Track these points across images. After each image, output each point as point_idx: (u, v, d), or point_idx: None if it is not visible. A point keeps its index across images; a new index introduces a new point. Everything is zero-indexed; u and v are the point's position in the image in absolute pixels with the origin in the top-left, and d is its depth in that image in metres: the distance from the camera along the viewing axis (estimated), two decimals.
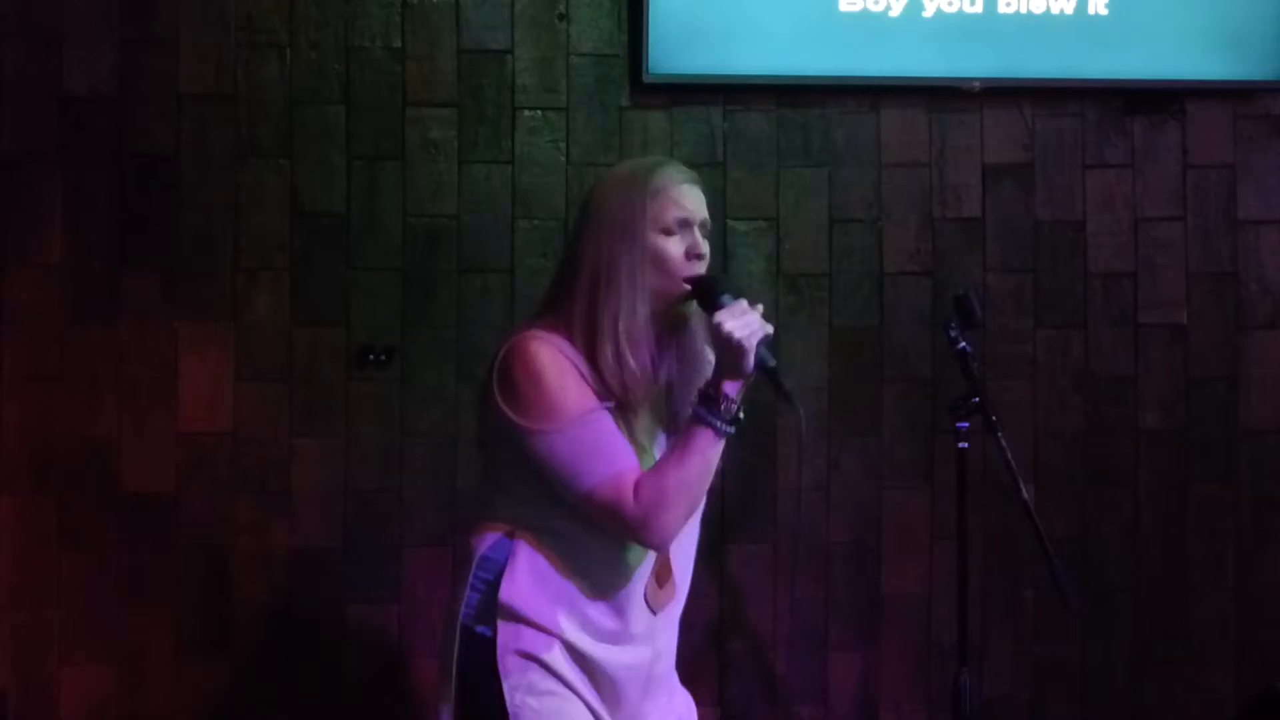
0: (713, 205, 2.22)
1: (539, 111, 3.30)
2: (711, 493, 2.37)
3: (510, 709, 2.14)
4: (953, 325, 2.78)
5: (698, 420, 2.08)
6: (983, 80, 3.34)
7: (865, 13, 3.30)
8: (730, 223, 3.31)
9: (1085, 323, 3.42)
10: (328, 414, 3.23)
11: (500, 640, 2.16)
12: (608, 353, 2.14)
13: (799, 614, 3.34)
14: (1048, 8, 3.34)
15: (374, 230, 3.26)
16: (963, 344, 2.77)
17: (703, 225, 2.20)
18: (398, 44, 3.28)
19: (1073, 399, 3.41)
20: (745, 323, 2.05)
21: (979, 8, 3.32)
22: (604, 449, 2.10)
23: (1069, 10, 3.34)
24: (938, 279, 3.38)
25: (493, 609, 2.17)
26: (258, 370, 3.22)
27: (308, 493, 3.22)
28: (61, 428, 3.18)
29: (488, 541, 2.20)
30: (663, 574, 2.24)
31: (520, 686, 2.15)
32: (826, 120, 3.37)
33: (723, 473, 2.30)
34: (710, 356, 2.21)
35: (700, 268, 2.17)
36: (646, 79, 3.25)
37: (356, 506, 3.24)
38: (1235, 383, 3.44)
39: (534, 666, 2.16)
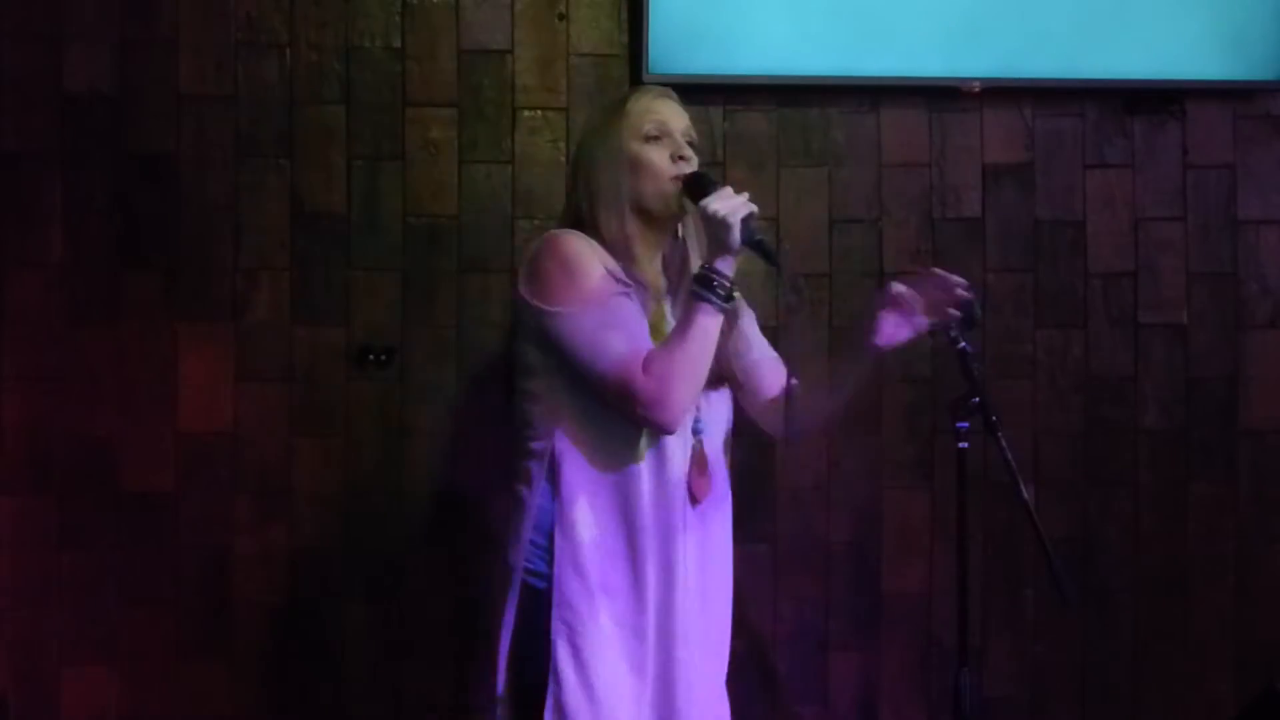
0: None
1: (539, 111, 3.30)
2: None
3: (551, 640, 2.24)
4: (953, 325, 2.78)
5: (695, 298, 2.21)
6: (983, 80, 3.34)
7: (866, 13, 3.30)
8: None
9: (1085, 323, 3.42)
10: (328, 414, 3.23)
11: (556, 579, 2.25)
12: (616, 250, 2.29)
13: (799, 614, 3.34)
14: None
15: (374, 230, 3.26)
16: (963, 344, 2.76)
17: (684, 132, 2.37)
18: (398, 44, 3.28)
19: (1073, 399, 3.41)
20: (730, 203, 2.21)
21: (979, 6, 3.33)
22: (622, 329, 2.22)
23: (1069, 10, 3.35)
24: None
25: (547, 559, 2.26)
26: (258, 370, 3.22)
27: (308, 493, 3.22)
28: (61, 428, 3.18)
29: (536, 488, 2.28)
30: (699, 463, 2.33)
31: (567, 622, 2.24)
32: (826, 120, 3.37)
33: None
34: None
35: (686, 168, 2.33)
36: (646, 79, 3.24)
37: (356, 506, 3.24)
38: (1235, 383, 3.44)
39: (588, 606, 2.24)
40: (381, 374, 3.25)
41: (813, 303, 3.35)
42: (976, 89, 3.35)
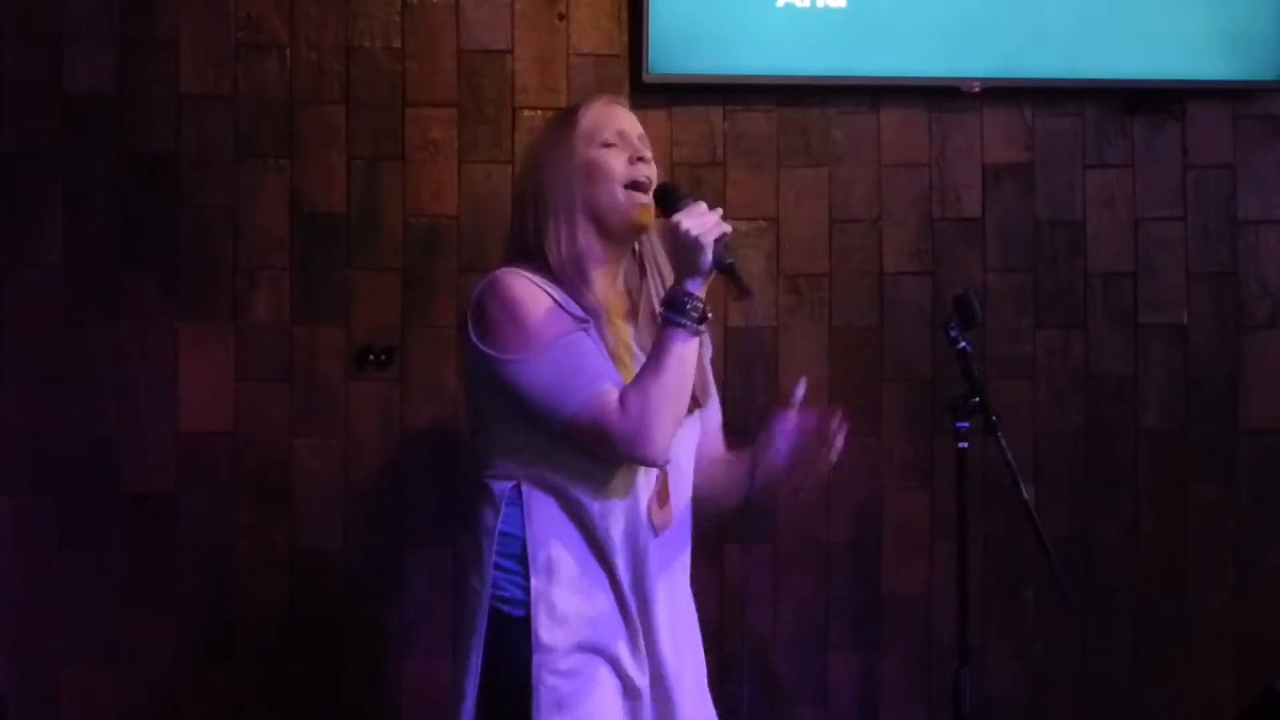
0: (713, 205, 2.24)
1: (539, 111, 3.30)
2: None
3: (534, 682, 2.15)
4: (953, 325, 2.78)
5: (667, 323, 2.11)
6: (983, 80, 3.34)
7: (866, 13, 3.30)
8: (730, 223, 3.30)
9: (1085, 323, 3.42)
10: (328, 414, 3.23)
11: (533, 611, 2.17)
12: (567, 273, 2.18)
13: (799, 614, 3.34)
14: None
15: (374, 230, 3.26)
16: (963, 344, 2.77)
17: (640, 139, 2.26)
18: (398, 44, 3.28)
19: (1073, 399, 3.41)
20: (702, 222, 2.10)
21: (979, 6, 3.33)
22: (583, 369, 2.13)
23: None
24: (938, 279, 3.38)
25: (523, 586, 2.18)
26: (258, 370, 3.22)
27: (308, 493, 3.22)
28: (61, 428, 3.18)
29: (501, 515, 2.21)
30: (662, 495, 2.25)
31: (547, 663, 2.16)
32: (826, 120, 3.37)
33: None
34: (667, 270, 2.26)
35: (645, 170, 2.23)
36: (646, 79, 3.25)
37: (356, 506, 3.24)
38: (1235, 383, 3.44)
39: (566, 641, 2.17)
40: (381, 374, 3.25)
41: (813, 303, 3.35)
42: (976, 89, 3.35)
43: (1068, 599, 2.64)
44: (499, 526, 2.21)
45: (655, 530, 2.24)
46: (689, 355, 2.12)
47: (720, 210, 2.13)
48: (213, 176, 3.23)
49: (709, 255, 2.09)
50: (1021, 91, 3.40)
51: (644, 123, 3.27)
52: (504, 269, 2.21)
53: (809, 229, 3.36)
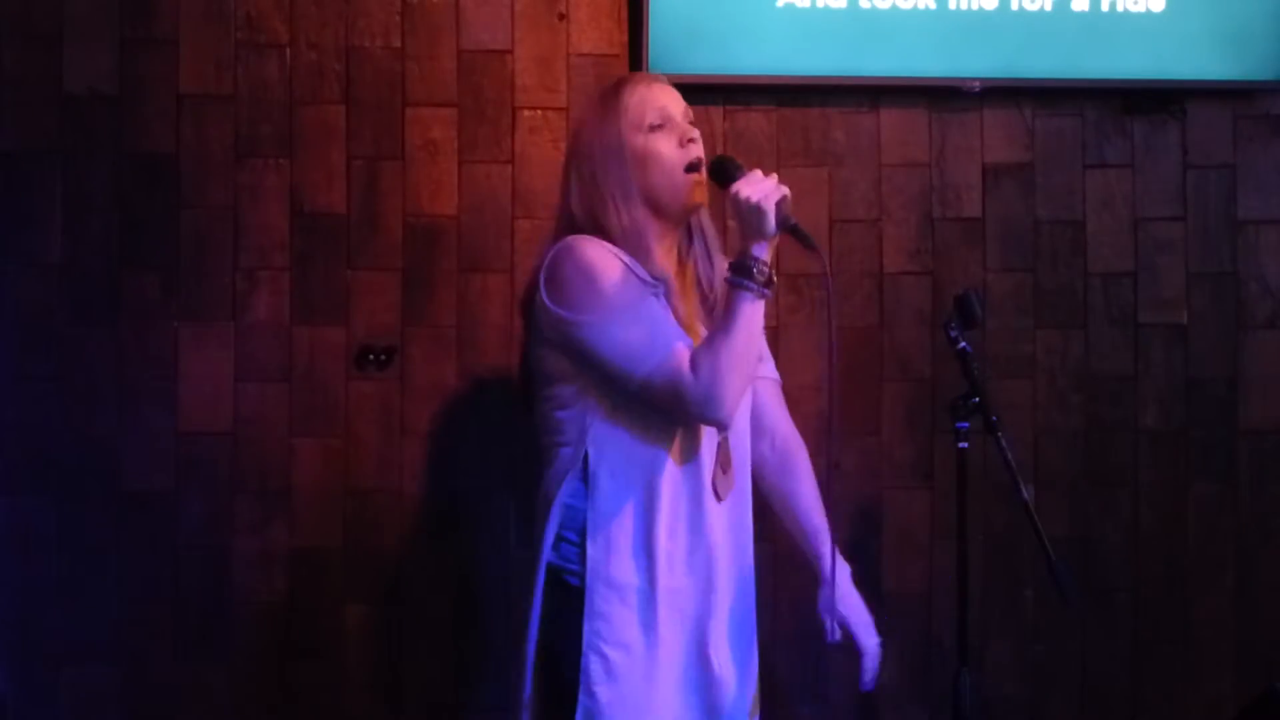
0: (713, 205, 2.26)
1: (539, 111, 3.30)
2: None
3: (584, 650, 2.21)
4: (953, 325, 2.78)
5: (735, 287, 2.17)
6: (983, 80, 3.34)
7: (865, 12, 3.30)
8: (731, 223, 3.30)
9: (1085, 323, 3.42)
10: (328, 414, 3.23)
11: (589, 581, 2.22)
12: (630, 245, 2.24)
13: (799, 614, 3.34)
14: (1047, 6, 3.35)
15: (374, 230, 3.26)
16: (963, 344, 2.77)
17: (685, 114, 2.32)
18: (398, 44, 3.28)
19: (1073, 399, 3.41)
20: (761, 187, 2.15)
21: (979, 6, 3.32)
22: (657, 332, 2.18)
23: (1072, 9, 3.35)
24: (938, 279, 3.38)
25: (581, 559, 2.23)
26: (258, 370, 3.22)
27: (308, 493, 3.22)
28: (61, 428, 3.18)
29: (565, 488, 2.25)
30: (724, 460, 2.31)
31: (600, 633, 2.22)
32: (826, 120, 3.37)
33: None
34: (721, 255, 2.34)
35: (696, 150, 2.28)
36: None
37: (356, 506, 3.24)
38: (1235, 383, 3.44)
39: (621, 612, 2.22)
40: (381, 374, 3.25)
41: (813, 303, 3.35)
42: (976, 89, 3.35)
43: (1068, 599, 2.64)
44: (562, 498, 2.26)
45: (719, 495, 2.30)
46: (756, 318, 2.19)
47: (775, 175, 2.18)
48: (213, 176, 3.23)
49: (772, 218, 2.15)
50: (1021, 91, 3.40)
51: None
52: (575, 236, 2.25)
53: (809, 229, 3.34)
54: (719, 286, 2.31)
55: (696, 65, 3.26)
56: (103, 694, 3.17)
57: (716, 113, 3.34)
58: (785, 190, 2.18)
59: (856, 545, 3.35)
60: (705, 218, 2.39)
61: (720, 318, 2.19)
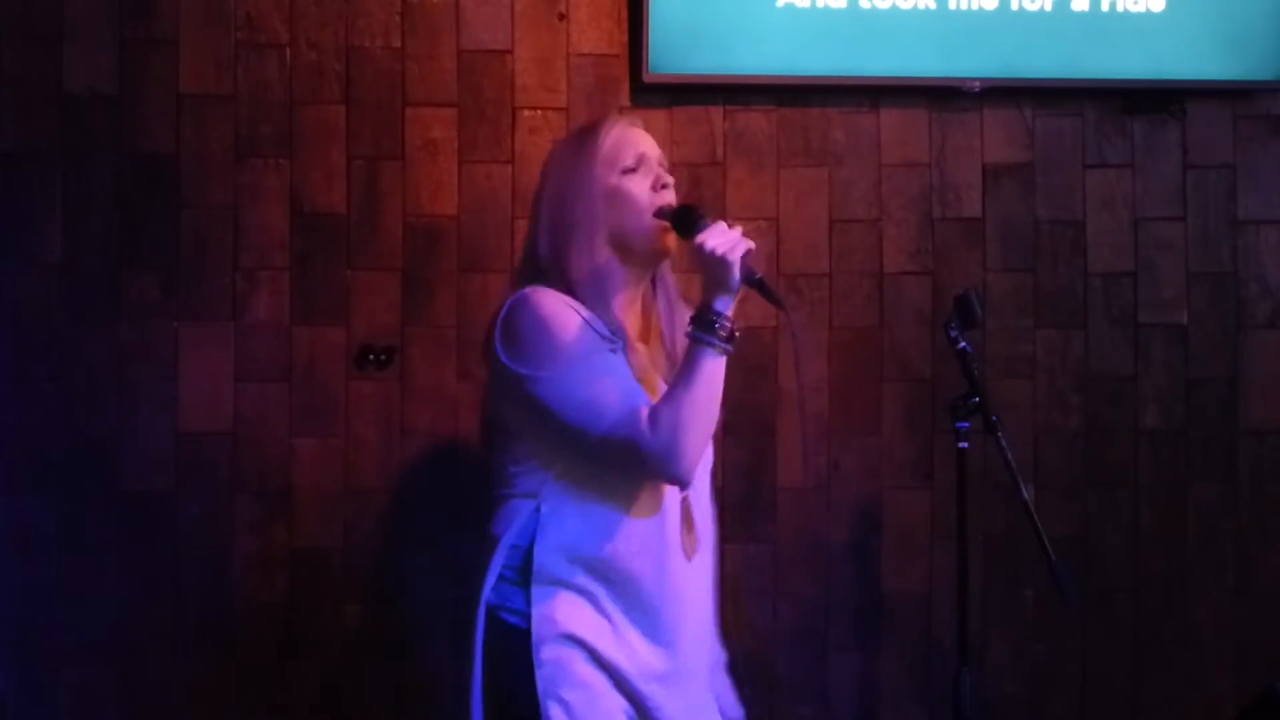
0: (713, 205, 2.24)
1: (539, 111, 3.30)
2: (714, 492, 2.39)
3: (540, 698, 2.15)
4: (953, 325, 2.79)
5: (696, 342, 2.11)
6: (983, 80, 3.34)
7: (865, 12, 3.30)
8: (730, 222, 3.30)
9: (1085, 323, 3.42)
10: (328, 414, 3.23)
11: (535, 627, 2.16)
12: (589, 295, 2.18)
13: (799, 614, 3.34)
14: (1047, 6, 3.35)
15: (374, 230, 3.26)
16: (963, 344, 2.77)
17: (660, 161, 2.26)
18: (398, 44, 3.28)
19: (1073, 399, 3.41)
20: (726, 239, 2.10)
21: (978, 6, 3.32)
22: (614, 388, 2.12)
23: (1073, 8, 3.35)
24: (938, 279, 3.38)
25: (525, 597, 2.17)
26: (258, 370, 3.22)
27: (308, 493, 3.22)
28: (61, 428, 3.18)
29: (513, 528, 2.20)
30: (687, 519, 2.25)
31: (553, 678, 2.15)
32: (826, 120, 3.37)
33: (723, 472, 2.31)
34: (682, 306, 2.27)
35: (668, 196, 2.22)
36: (646, 79, 3.25)
37: (356, 506, 3.24)
38: (1235, 383, 3.44)
39: (570, 654, 2.16)
40: (381, 374, 3.25)
41: (813, 303, 3.35)
42: (976, 89, 3.35)
43: (1068, 599, 2.64)
44: (508, 540, 2.21)
45: (688, 555, 2.25)
46: (717, 374, 2.12)
47: (740, 227, 2.13)
48: (213, 176, 3.23)
49: (736, 272, 2.10)
50: (1021, 91, 3.40)
51: (644, 123, 3.31)
52: (531, 287, 2.19)
53: (809, 229, 3.36)
54: (680, 341, 2.23)
55: (696, 65, 3.26)
56: (103, 694, 3.17)
57: (716, 113, 3.34)
58: (750, 244, 2.12)
59: (856, 545, 3.36)
60: (668, 270, 2.32)
61: (681, 373, 2.13)
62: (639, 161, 2.23)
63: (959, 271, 3.38)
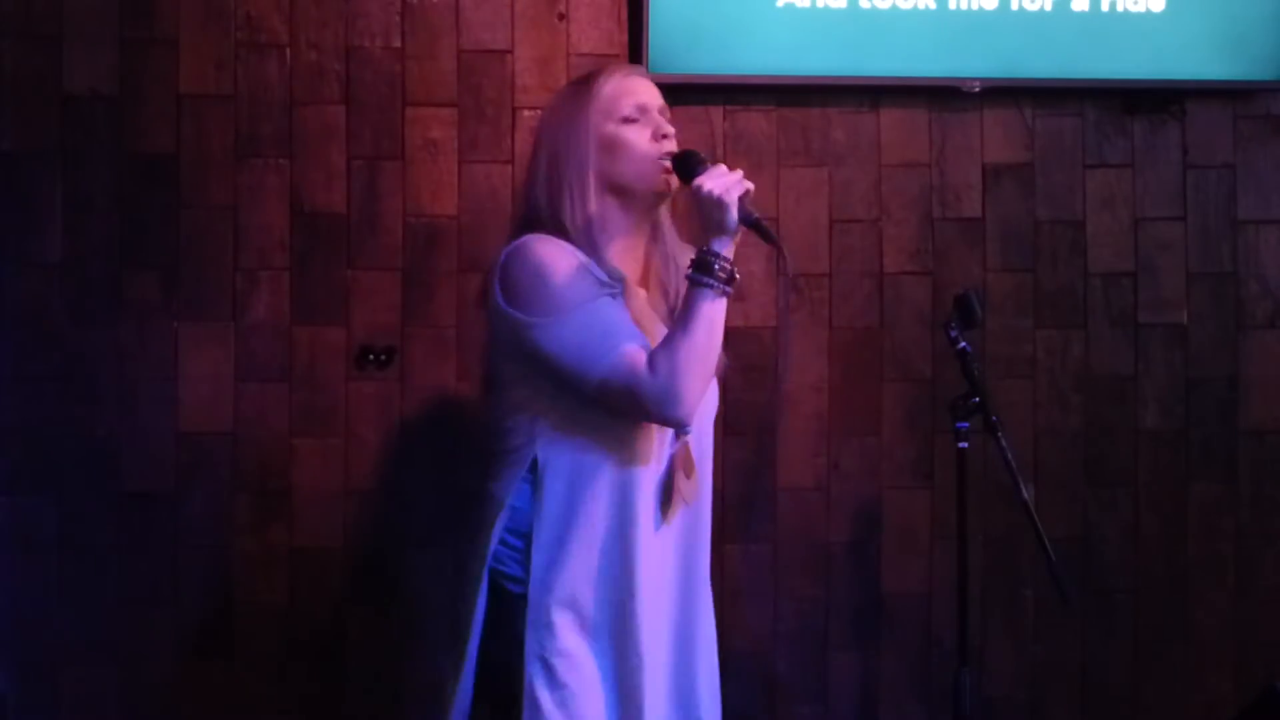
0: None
1: (539, 111, 3.29)
2: (713, 492, 2.39)
3: (526, 659, 2.15)
4: (953, 325, 2.79)
5: (695, 284, 2.11)
6: (983, 80, 3.34)
7: (866, 12, 3.30)
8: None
9: (1085, 323, 3.42)
10: (328, 414, 3.23)
11: (531, 592, 2.16)
12: (585, 241, 2.18)
13: (799, 614, 3.34)
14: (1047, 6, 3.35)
15: (374, 230, 3.26)
16: (963, 344, 2.77)
17: (661, 110, 2.26)
18: (398, 44, 3.28)
19: (1073, 399, 3.41)
20: (724, 181, 2.11)
21: (979, 6, 3.32)
22: (612, 332, 2.12)
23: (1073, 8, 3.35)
24: (938, 279, 3.38)
25: (524, 565, 2.18)
26: (258, 370, 3.22)
27: (308, 493, 3.22)
28: (61, 428, 3.18)
29: (513, 488, 2.20)
30: (687, 465, 2.24)
31: (541, 641, 2.15)
32: (826, 120, 3.37)
33: (723, 472, 2.31)
34: (682, 252, 2.26)
35: (669, 145, 2.23)
36: None
37: (356, 506, 3.24)
38: (1235, 383, 3.44)
39: (562, 621, 2.16)
40: (381, 374, 3.25)
41: (812, 302, 3.35)
42: (976, 89, 3.35)
43: (1067, 599, 2.64)
44: (508, 500, 2.21)
45: (686, 500, 2.24)
46: (717, 316, 2.12)
47: (740, 170, 2.14)
48: (213, 176, 3.22)
49: (734, 213, 2.11)
50: (1021, 91, 3.40)
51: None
52: (529, 235, 2.19)
53: (809, 229, 3.36)
54: (680, 288, 2.23)
55: (696, 65, 3.26)
56: (103, 694, 3.17)
57: (716, 113, 3.34)
58: (749, 184, 2.14)
59: (856, 545, 3.36)
60: (668, 219, 2.32)
61: (680, 315, 2.13)
62: (639, 112, 2.23)
63: (959, 271, 3.38)
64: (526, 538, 2.19)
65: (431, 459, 3.24)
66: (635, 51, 3.26)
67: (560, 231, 2.20)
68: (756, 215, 2.15)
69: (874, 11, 3.30)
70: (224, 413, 3.21)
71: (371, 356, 3.24)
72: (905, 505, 3.36)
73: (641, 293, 2.25)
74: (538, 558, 2.18)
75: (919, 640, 3.35)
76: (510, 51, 3.30)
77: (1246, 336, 3.45)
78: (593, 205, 2.20)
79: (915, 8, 3.31)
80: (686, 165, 2.19)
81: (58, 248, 3.19)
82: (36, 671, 3.17)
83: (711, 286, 2.11)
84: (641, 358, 2.10)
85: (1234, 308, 3.45)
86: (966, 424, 2.79)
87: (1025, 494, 2.67)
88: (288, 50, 3.26)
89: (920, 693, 3.34)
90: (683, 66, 3.25)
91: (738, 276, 2.14)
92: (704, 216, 2.13)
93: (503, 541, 2.22)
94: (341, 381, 3.24)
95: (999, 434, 2.70)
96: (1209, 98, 3.44)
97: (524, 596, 2.18)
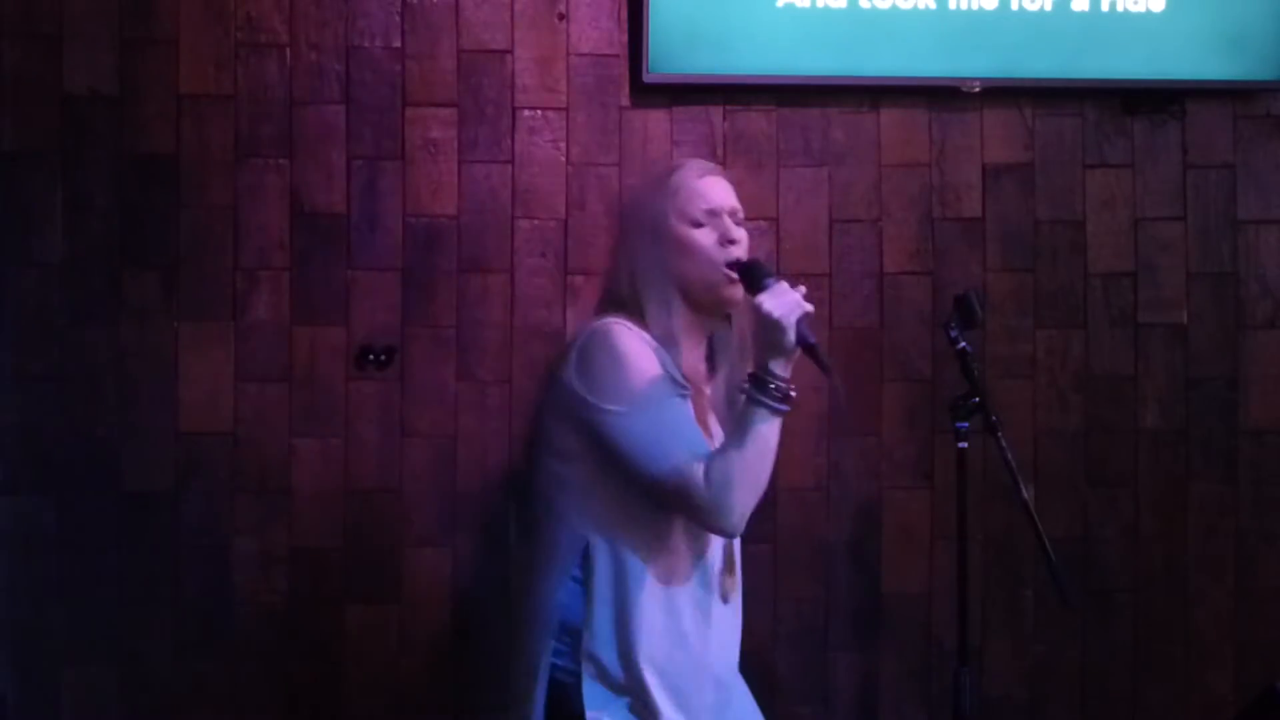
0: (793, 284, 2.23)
1: (539, 111, 3.30)
2: None
3: None
4: (953, 325, 2.79)
5: (751, 401, 2.14)
6: (983, 80, 3.34)
7: (866, 12, 3.30)
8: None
9: (1085, 323, 3.42)
10: (328, 414, 3.23)
11: (586, 679, 2.20)
12: (665, 341, 2.22)
13: (799, 614, 3.34)
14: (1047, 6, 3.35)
15: (374, 230, 3.26)
16: (963, 344, 2.77)
17: (733, 213, 2.28)
18: (398, 44, 3.28)
19: (1073, 399, 3.41)
20: (785, 301, 2.13)
21: (979, 6, 3.33)
22: (681, 433, 2.16)
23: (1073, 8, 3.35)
24: (938, 279, 3.38)
25: (575, 657, 2.22)
26: (258, 370, 3.22)
27: (308, 493, 3.22)
28: (61, 428, 3.18)
29: (562, 586, 2.23)
30: (729, 563, 2.31)
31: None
32: (826, 120, 3.37)
33: None
34: (742, 357, 2.29)
35: (736, 252, 2.24)
36: (646, 79, 3.25)
37: (356, 506, 3.24)
38: (1235, 383, 3.44)
39: (616, 706, 2.20)
40: (381, 374, 3.25)
41: (813, 303, 3.33)
42: (976, 89, 3.35)
43: (1068, 599, 2.64)
44: (556, 596, 2.23)
45: (725, 598, 2.30)
46: (771, 434, 2.15)
47: (803, 289, 2.15)
48: (213, 176, 3.23)
49: (792, 335, 2.12)
50: (1021, 91, 3.40)
51: (644, 123, 3.33)
52: (613, 319, 2.23)
53: (809, 229, 3.36)
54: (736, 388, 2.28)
55: (696, 65, 3.26)
56: (103, 694, 3.17)
57: (716, 113, 3.34)
58: (808, 307, 2.15)
59: (856, 545, 3.36)
60: (742, 321, 2.33)
61: (735, 429, 2.16)
62: (709, 215, 2.25)
63: (959, 271, 3.38)
64: (573, 632, 2.22)
65: (431, 459, 3.24)
66: (635, 51, 3.26)
67: (640, 320, 2.23)
68: (814, 341, 2.15)
69: (874, 11, 3.30)
70: (224, 413, 3.21)
71: (371, 356, 3.24)
72: (905, 505, 3.36)
73: (705, 391, 2.29)
74: (590, 644, 2.21)
75: (919, 640, 3.35)
76: (510, 51, 3.30)
77: (1246, 336, 3.45)
78: (671, 303, 2.24)
79: (915, 8, 3.31)
80: (751, 276, 2.20)
81: (58, 248, 3.19)
82: (36, 671, 3.17)
83: (767, 406, 2.13)
84: (699, 467, 2.13)
85: (1234, 308, 3.45)
86: (966, 424, 2.79)
87: (1025, 494, 2.67)
88: (288, 50, 3.26)
89: (920, 693, 3.34)
90: (683, 66, 3.25)
91: (793, 394, 2.16)
92: (763, 335, 2.15)
93: (556, 653, 2.24)
94: (341, 381, 3.24)
95: (999, 434, 2.70)
96: (1209, 98, 3.44)
97: (576, 687, 2.21)
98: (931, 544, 3.35)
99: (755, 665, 3.27)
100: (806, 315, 2.14)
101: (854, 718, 3.34)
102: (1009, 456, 2.69)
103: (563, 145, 3.30)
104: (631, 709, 2.21)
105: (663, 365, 2.19)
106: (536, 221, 3.28)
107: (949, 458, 2.87)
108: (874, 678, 3.35)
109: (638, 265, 2.25)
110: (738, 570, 2.33)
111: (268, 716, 3.21)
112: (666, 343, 2.22)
